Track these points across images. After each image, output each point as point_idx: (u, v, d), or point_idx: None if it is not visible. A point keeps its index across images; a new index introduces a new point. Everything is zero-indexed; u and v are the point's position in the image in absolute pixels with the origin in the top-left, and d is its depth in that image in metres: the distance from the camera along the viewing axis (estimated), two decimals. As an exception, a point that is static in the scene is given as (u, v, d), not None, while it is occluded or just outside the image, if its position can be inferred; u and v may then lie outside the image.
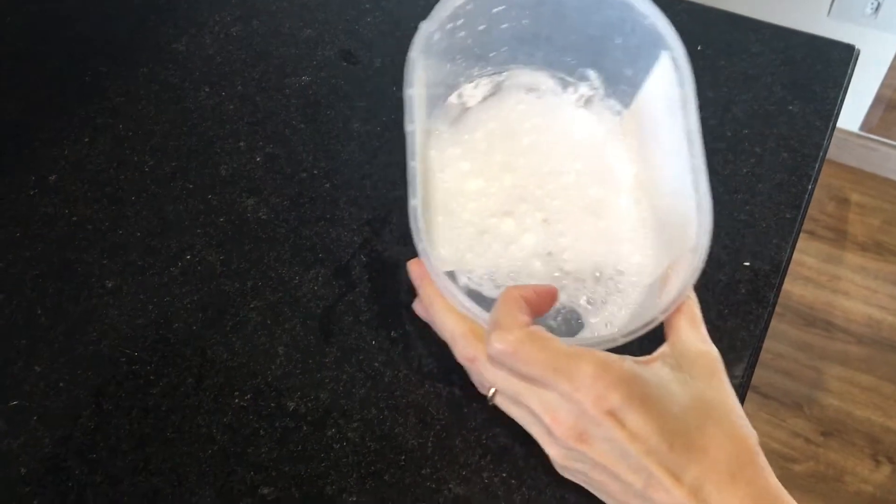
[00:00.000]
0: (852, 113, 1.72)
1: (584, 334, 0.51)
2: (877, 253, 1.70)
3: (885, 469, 1.43)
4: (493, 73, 0.58)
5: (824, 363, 1.55)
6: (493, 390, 0.46)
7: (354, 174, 0.65)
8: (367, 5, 0.78)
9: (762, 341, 0.56)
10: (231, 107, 0.70)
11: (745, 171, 0.64)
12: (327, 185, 0.64)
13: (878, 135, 1.76)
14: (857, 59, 0.72)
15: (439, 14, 0.51)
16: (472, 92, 0.58)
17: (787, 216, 0.61)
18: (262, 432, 0.52)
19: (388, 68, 0.72)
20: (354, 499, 0.49)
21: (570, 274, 0.53)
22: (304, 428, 0.52)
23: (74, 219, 0.63)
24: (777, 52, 0.72)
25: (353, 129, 0.68)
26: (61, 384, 0.54)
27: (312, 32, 0.76)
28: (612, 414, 0.40)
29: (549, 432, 0.42)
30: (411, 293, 0.52)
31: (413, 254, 0.48)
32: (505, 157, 0.55)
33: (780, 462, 1.42)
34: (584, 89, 0.58)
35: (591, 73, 0.58)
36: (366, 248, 0.61)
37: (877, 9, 1.52)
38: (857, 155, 1.80)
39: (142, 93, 0.71)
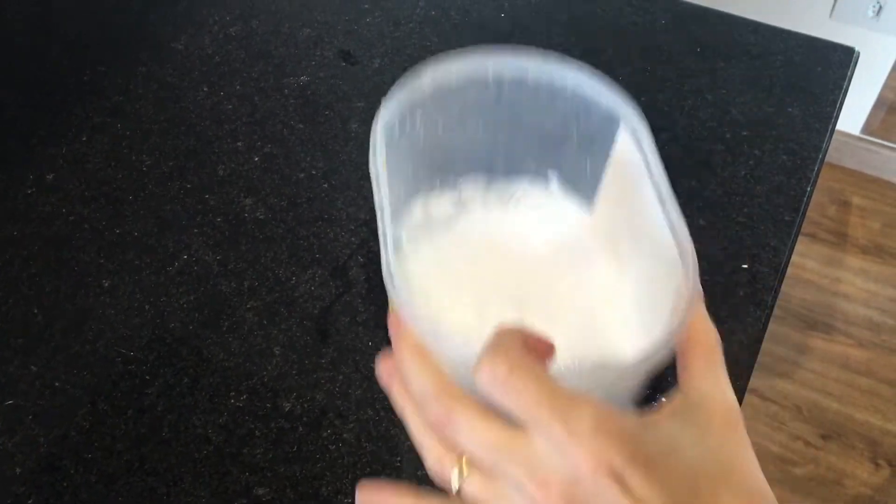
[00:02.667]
0: (853, 116, 1.72)
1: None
2: (877, 256, 1.70)
3: (885, 472, 1.42)
4: (455, 183, 0.57)
5: (824, 366, 1.55)
6: (460, 472, 0.38)
7: (352, 175, 0.65)
8: (367, 5, 0.78)
9: (760, 344, 0.56)
10: (229, 106, 0.70)
11: (743, 173, 0.64)
12: (325, 186, 0.64)
13: (879, 138, 1.76)
14: (856, 61, 0.72)
15: (397, 103, 0.50)
16: (435, 202, 0.56)
17: (786, 218, 0.61)
18: (257, 433, 0.52)
19: (387, 68, 0.72)
20: (350, 500, 0.49)
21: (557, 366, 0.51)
22: (300, 429, 0.52)
23: (72, 217, 0.62)
24: (776, 54, 0.72)
25: (351, 129, 0.68)
26: (57, 383, 0.54)
27: (311, 32, 0.76)
28: (614, 476, 0.33)
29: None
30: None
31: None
32: (472, 263, 0.53)
33: (780, 465, 1.41)
34: (542, 196, 0.57)
35: (553, 174, 0.57)
36: (363, 249, 0.60)
37: (878, 11, 1.52)
38: (859, 158, 1.80)
39: (140, 92, 0.71)
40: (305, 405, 0.53)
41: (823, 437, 1.46)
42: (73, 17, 0.78)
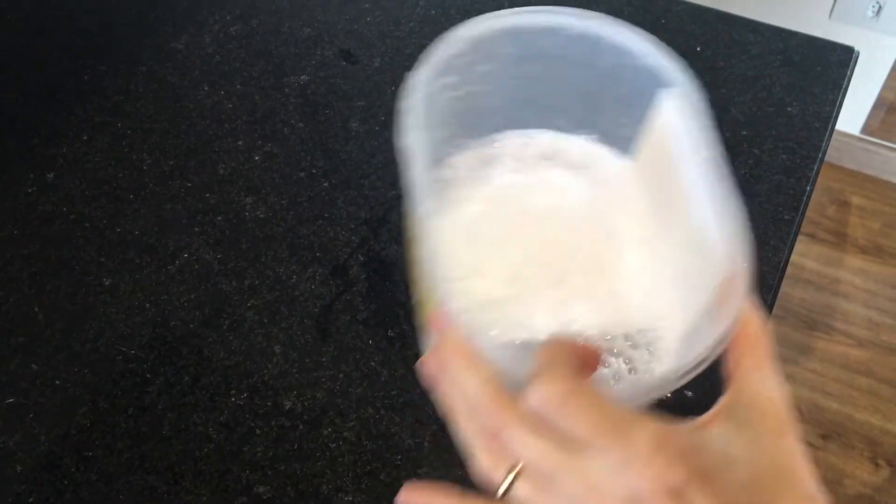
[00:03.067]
0: (853, 116, 1.72)
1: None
2: (877, 256, 1.70)
3: (884, 472, 1.43)
4: (483, 143, 0.55)
5: (824, 366, 1.55)
6: (510, 476, 0.37)
7: (353, 174, 0.65)
8: (367, 5, 0.78)
9: (759, 342, 0.56)
10: (230, 105, 0.70)
11: (743, 172, 0.64)
12: (325, 185, 0.64)
13: (878, 138, 1.76)
14: (856, 61, 0.72)
15: (430, 60, 0.47)
16: (462, 163, 0.54)
17: (786, 217, 0.61)
18: (258, 431, 0.52)
19: (387, 68, 0.72)
20: (350, 498, 0.49)
21: (592, 339, 0.48)
22: (300, 427, 0.52)
23: (72, 217, 0.63)
24: (776, 54, 0.72)
25: (351, 128, 0.68)
26: (58, 382, 0.54)
27: (312, 32, 0.76)
28: (675, 494, 0.33)
29: None
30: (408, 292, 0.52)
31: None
32: (501, 231, 0.51)
33: (780, 465, 1.42)
34: (577, 155, 0.55)
35: (589, 133, 0.54)
36: (363, 248, 0.61)
37: (878, 11, 1.52)
38: (858, 158, 1.80)
39: (141, 91, 0.71)
40: (306, 403, 0.53)
41: (823, 437, 1.46)
42: (73, 17, 0.78)
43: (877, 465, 1.44)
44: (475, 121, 0.54)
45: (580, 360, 0.37)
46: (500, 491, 0.37)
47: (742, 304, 0.39)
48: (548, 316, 0.47)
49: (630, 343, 0.48)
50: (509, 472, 0.37)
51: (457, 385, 0.38)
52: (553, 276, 0.49)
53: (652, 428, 0.34)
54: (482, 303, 0.48)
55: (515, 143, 0.55)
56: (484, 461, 0.38)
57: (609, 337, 0.47)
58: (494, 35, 0.49)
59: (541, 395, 0.35)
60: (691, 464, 0.34)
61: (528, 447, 0.36)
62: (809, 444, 1.44)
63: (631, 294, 0.49)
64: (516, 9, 0.49)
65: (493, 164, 0.55)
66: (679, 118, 0.47)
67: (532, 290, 0.49)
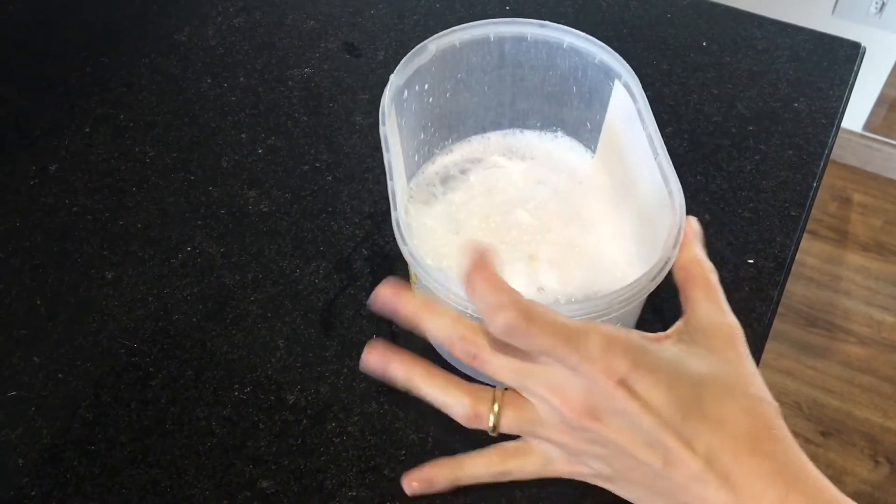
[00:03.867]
0: (855, 113, 1.72)
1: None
2: (878, 253, 1.70)
3: (884, 469, 1.42)
4: (466, 141, 0.62)
5: (825, 363, 1.55)
6: (496, 406, 0.43)
7: (356, 167, 0.65)
8: (371, -2, 0.77)
9: (766, 338, 0.56)
10: (233, 98, 0.69)
11: (749, 168, 0.64)
12: (329, 178, 0.64)
13: (880, 135, 1.76)
14: (863, 56, 0.72)
15: (405, 70, 0.54)
16: (446, 161, 0.61)
17: (792, 213, 0.61)
18: (261, 425, 0.51)
19: (391, 61, 0.72)
20: (354, 493, 0.49)
21: (568, 301, 0.54)
22: (304, 421, 0.52)
23: (75, 209, 0.62)
24: (782, 49, 0.72)
25: (355, 121, 0.68)
26: (60, 375, 0.54)
27: (315, 24, 0.75)
28: (623, 383, 0.38)
29: (561, 416, 0.40)
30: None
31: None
32: (483, 215, 0.58)
33: (780, 461, 1.42)
34: (548, 149, 0.62)
35: (557, 129, 0.62)
36: (367, 242, 0.60)
37: (881, 8, 1.52)
38: (860, 155, 1.80)
39: (143, 83, 0.71)
40: (309, 398, 0.53)
41: (823, 434, 1.46)
42: (76, 9, 0.77)
43: (877, 462, 1.44)
44: (452, 124, 0.61)
45: (489, 259, 0.41)
46: (491, 423, 0.43)
47: (676, 239, 0.46)
48: (521, 285, 0.53)
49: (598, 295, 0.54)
50: (493, 404, 0.43)
51: (427, 333, 0.43)
52: (525, 251, 0.55)
53: (602, 332, 0.39)
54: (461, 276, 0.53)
55: (491, 142, 0.63)
56: (467, 401, 0.43)
57: (577, 299, 0.53)
58: (463, 45, 0.56)
59: (501, 324, 0.38)
60: (638, 358, 0.39)
61: (499, 367, 0.41)
62: (809, 441, 1.44)
63: (596, 263, 0.55)
64: (480, 21, 0.56)
65: (471, 161, 0.61)
66: (625, 103, 0.54)
67: (506, 263, 0.54)
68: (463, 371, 0.52)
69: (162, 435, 0.51)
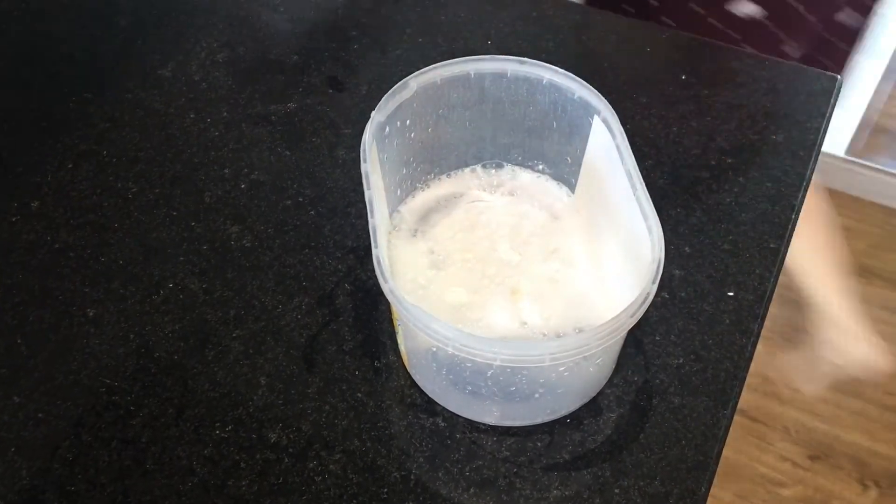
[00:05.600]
0: (838, 137, 1.73)
1: None
2: (862, 276, 1.71)
3: (872, 493, 1.42)
4: (447, 177, 0.63)
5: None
6: None
7: (339, 202, 0.65)
8: (354, 32, 0.78)
9: (746, 371, 0.56)
10: (216, 133, 0.70)
11: (728, 200, 0.64)
12: (312, 213, 0.64)
13: (863, 159, 1.77)
14: (840, 88, 0.73)
15: (387, 106, 0.55)
16: (428, 195, 0.62)
17: (771, 246, 0.62)
18: (242, 465, 0.51)
19: (374, 95, 0.72)
20: (335, 532, 0.49)
21: (551, 336, 0.54)
22: (286, 460, 0.51)
23: (56, 246, 0.62)
24: (760, 82, 0.73)
25: (338, 156, 0.68)
26: (40, 414, 0.54)
27: (299, 59, 0.76)
28: None
29: None
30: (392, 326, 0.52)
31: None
32: (465, 250, 0.58)
33: (769, 486, 1.41)
34: (529, 184, 0.63)
35: (538, 163, 0.62)
36: (350, 277, 0.60)
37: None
38: (843, 179, 1.81)
39: (126, 119, 0.71)
40: (291, 436, 0.52)
41: (811, 458, 1.46)
42: (59, 43, 0.77)
43: (865, 486, 1.44)
44: (435, 158, 0.62)
45: None
46: None
47: (655, 274, 0.45)
48: (503, 320, 0.54)
49: (580, 330, 0.55)
50: None
51: None
52: (507, 286, 0.56)
53: None
54: (450, 308, 0.55)
55: (472, 177, 0.63)
56: None
57: (560, 333, 0.54)
58: (444, 81, 0.57)
59: None
60: None
61: None
62: (798, 466, 1.44)
63: (578, 297, 0.56)
64: (461, 58, 0.57)
65: (453, 196, 0.62)
66: (604, 138, 0.55)
67: (491, 297, 0.55)
68: (455, 396, 0.52)
69: (142, 475, 0.51)
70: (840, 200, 1.82)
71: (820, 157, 0.69)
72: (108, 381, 0.55)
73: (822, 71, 0.73)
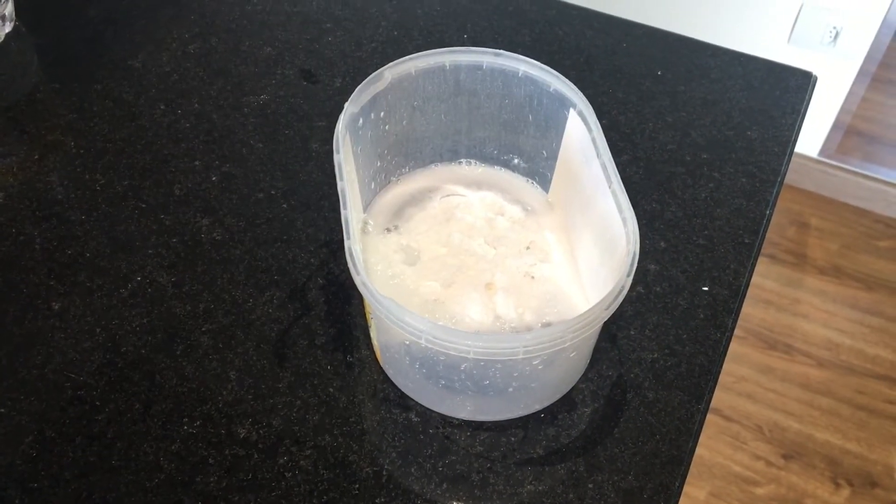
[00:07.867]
0: (811, 138, 1.75)
1: None
2: (835, 276, 1.72)
3: (845, 492, 1.44)
4: (422, 170, 0.62)
5: (785, 386, 1.56)
6: None
7: (312, 195, 0.64)
8: (329, 25, 0.77)
9: (720, 366, 0.56)
10: (187, 125, 0.68)
11: (703, 195, 0.64)
12: (284, 206, 0.63)
13: (836, 160, 1.79)
14: (814, 85, 0.73)
15: (360, 97, 0.54)
16: (403, 189, 0.61)
17: (746, 241, 0.61)
18: (211, 460, 0.50)
19: (348, 88, 0.71)
20: (306, 529, 0.48)
21: (524, 329, 0.54)
22: (255, 456, 0.50)
23: (21, 238, 0.61)
24: (736, 78, 0.73)
25: (311, 148, 0.67)
26: (2, 410, 0.52)
27: (272, 51, 0.75)
28: None
29: None
30: (365, 321, 0.51)
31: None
32: (440, 243, 0.57)
33: (742, 485, 1.42)
34: (504, 178, 0.62)
35: (514, 157, 0.62)
36: (322, 271, 0.59)
37: (835, 37, 1.55)
38: (816, 180, 1.83)
39: (95, 109, 0.69)
40: (261, 431, 0.51)
41: (785, 457, 1.47)
42: (26, 32, 0.76)
43: (837, 484, 1.45)
44: (409, 152, 0.61)
45: None
46: None
47: (630, 267, 0.45)
48: (477, 314, 0.54)
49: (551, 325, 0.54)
50: None
51: None
52: (482, 280, 0.55)
53: None
54: (423, 302, 0.55)
55: (448, 170, 0.63)
56: None
57: (533, 327, 0.53)
58: (419, 73, 0.56)
59: None
60: None
61: None
62: (771, 465, 1.45)
63: (552, 291, 0.55)
64: (436, 49, 0.56)
65: (428, 190, 0.61)
66: (580, 132, 0.54)
67: (465, 292, 0.55)
68: (428, 390, 0.52)
69: (108, 471, 0.50)
70: (813, 201, 1.84)
71: (793, 158, 0.69)
72: (73, 376, 0.54)
73: (797, 67, 0.74)
